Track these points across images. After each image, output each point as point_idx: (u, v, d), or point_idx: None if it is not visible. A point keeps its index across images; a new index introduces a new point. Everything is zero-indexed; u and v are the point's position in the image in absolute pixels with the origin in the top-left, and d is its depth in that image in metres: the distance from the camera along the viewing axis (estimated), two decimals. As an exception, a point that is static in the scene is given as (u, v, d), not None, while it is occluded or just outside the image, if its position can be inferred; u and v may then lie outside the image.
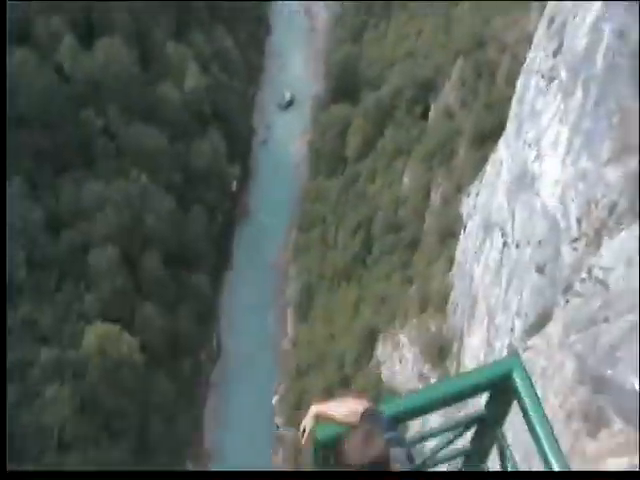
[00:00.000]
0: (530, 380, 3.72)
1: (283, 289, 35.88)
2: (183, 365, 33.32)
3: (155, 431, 30.04)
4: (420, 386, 21.22)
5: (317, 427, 3.60)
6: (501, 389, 3.79)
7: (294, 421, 28.91)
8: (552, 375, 8.55)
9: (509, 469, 3.89)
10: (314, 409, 3.66)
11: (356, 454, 3.08)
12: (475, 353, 16.29)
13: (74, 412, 27.93)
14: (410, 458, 3.33)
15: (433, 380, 20.29)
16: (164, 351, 32.41)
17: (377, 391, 24.13)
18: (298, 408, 29.57)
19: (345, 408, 3.56)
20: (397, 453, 3.25)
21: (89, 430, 28.35)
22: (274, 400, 31.78)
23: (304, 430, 3.59)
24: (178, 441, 30.84)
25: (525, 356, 12.36)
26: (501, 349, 13.93)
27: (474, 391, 3.93)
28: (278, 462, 28.91)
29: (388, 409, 3.57)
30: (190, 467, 30.60)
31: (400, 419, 3.80)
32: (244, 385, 31.93)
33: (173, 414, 31.27)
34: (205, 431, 32.14)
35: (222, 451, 30.92)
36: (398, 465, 3.23)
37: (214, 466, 30.71)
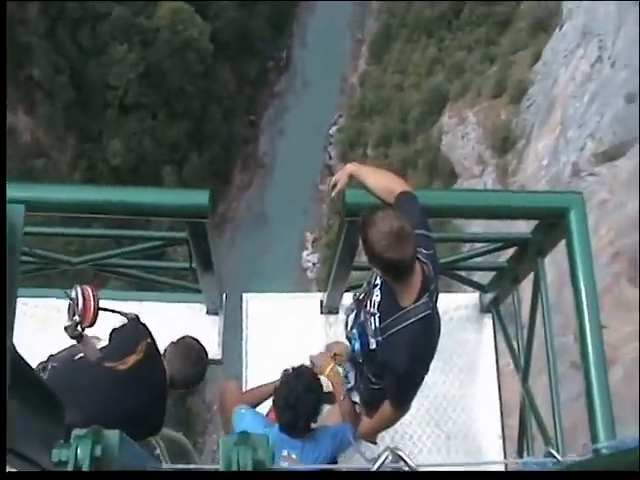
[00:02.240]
0: (586, 224, 3.60)
1: (362, 24, 34.46)
2: (250, 67, 33.26)
3: (213, 121, 30.86)
4: (477, 169, 21.29)
5: (348, 189, 3.42)
6: (553, 222, 3.72)
7: (346, 156, 29.51)
8: (611, 210, 8.51)
9: (541, 302, 3.96)
10: (351, 168, 3.38)
11: (380, 241, 2.84)
12: (539, 157, 16.09)
13: (138, 77, 28.55)
14: (434, 261, 3.11)
15: (490, 168, 20.28)
16: (233, 46, 32.21)
17: (433, 156, 24.25)
18: (352, 147, 30.00)
19: (383, 182, 3.28)
20: (422, 253, 3.03)
21: (150, 101, 29.18)
22: (332, 130, 32.08)
23: (335, 185, 3.39)
24: (233, 138, 31.81)
25: (588, 181, 12.29)
26: (566, 164, 13.75)
27: (524, 214, 3.95)
28: (324, 190, 29.86)
29: (425, 199, 3.29)
30: (238, 167, 31.85)
31: (435, 214, 3.72)
32: (306, 104, 32.09)
33: (232, 110, 31.94)
34: (261, 136, 32.96)
35: (274, 159, 31.96)
36: (423, 262, 3.00)
37: (261, 174, 31.91)
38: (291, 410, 3.66)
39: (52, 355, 3.58)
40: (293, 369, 3.81)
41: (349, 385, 3.84)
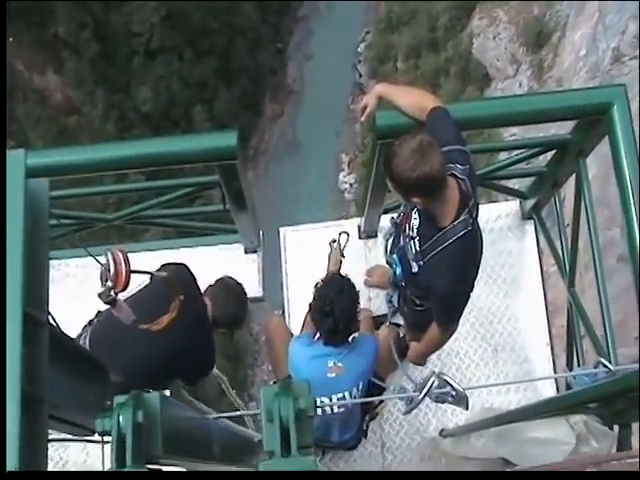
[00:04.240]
0: (630, 117, 3.38)
1: None
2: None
3: (239, 55, 30.46)
4: (511, 69, 20.61)
5: (378, 111, 3.33)
6: (593, 120, 3.53)
7: (376, 73, 28.91)
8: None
9: (584, 203, 3.84)
10: (379, 88, 3.32)
11: (406, 164, 2.78)
12: (576, 48, 15.42)
13: (161, 20, 28.18)
14: (471, 176, 3.02)
15: (524, 66, 19.59)
16: (255, -26, 31.44)
17: (465, 62, 23.52)
18: (382, 62, 29.27)
19: (413, 100, 3.20)
20: (458, 169, 2.99)
21: (175, 43, 28.86)
22: (360, 48, 31.37)
23: (364, 107, 3.32)
24: (261, 69, 31.40)
25: (630, 65, 11.76)
26: (606, 51, 13.13)
27: (562, 114, 3.68)
28: (355, 109, 29.36)
29: (457, 112, 3.18)
30: (268, 98, 31.55)
31: (470, 126, 3.58)
32: (332, 25, 31.31)
33: (258, 41, 31.43)
34: (289, 63, 32.45)
35: (304, 84, 31.53)
36: (460, 179, 2.95)
37: (292, 101, 31.54)
38: (329, 317, 3.70)
39: (100, 312, 3.66)
40: (321, 280, 3.83)
41: (393, 308, 3.84)
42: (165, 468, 1.82)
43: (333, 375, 3.78)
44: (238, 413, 2.20)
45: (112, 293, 2.76)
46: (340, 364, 3.80)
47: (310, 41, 32.47)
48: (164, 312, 3.49)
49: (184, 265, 3.75)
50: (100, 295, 2.76)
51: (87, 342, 3.52)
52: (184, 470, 2.21)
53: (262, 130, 30.58)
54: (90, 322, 3.66)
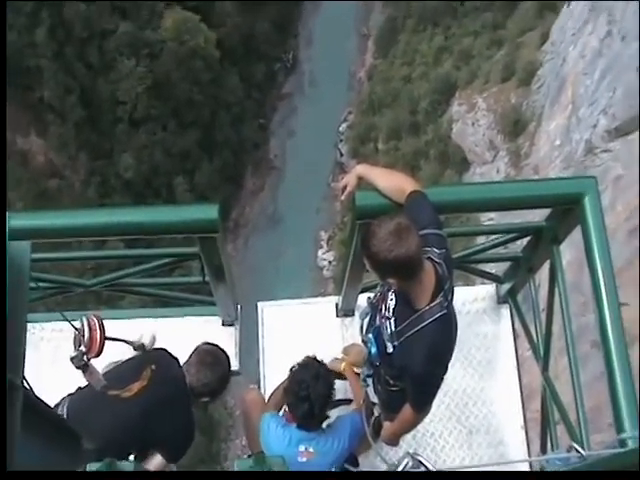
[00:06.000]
0: (601, 208, 3.51)
1: (367, 18, 34.47)
2: (257, 70, 33.33)
3: (222, 128, 30.96)
4: (489, 155, 21.19)
5: (358, 191, 3.40)
6: (567, 209, 3.63)
7: (357, 153, 29.50)
8: (625, 187, 8.38)
9: (558, 290, 3.90)
10: (359, 169, 3.41)
11: (383, 245, 2.81)
12: (551, 139, 15.96)
13: (147, 90, 28.70)
14: (447, 259, 3.08)
15: (502, 153, 20.17)
16: (239, 51, 32.32)
17: (444, 146, 24.16)
18: (363, 143, 29.92)
19: (393, 183, 3.28)
20: (435, 253, 3.02)
21: (160, 113, 29.33)
22: (342, 127, 32.06)
23: (344, 187, 3.40)
24: (244, 143, 31.89)
25: (602, 157, 12.16)
26: (579, 142, 13.61)
27: (537, 202, 3.81)
28: (336, 188, 29.94)
29: (436, 196, 3.26)
30: (250, 171, 31.94)
31: (447, 210, 3.68)
32: (314, 105, 32.08)
33: (241, 116, 32.02)
34: (271, 139, 33.00)
35: (285, 160, 32.01)
36: (436, 262, 2.98)
37: (273, 176, 31.94)
38: (304, 402, 3.69)
39: (80, 387, 3.61)
40: (298, 364, 3.82)
41: (367, 387, 3.83)
42: None
43: (304, 460, 3.74)
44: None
45: (85, 358, 2.75)
46: (311, 449, 3.77)
47: (293, 118, 33.20)
48: (136, 380, 3.48)
49: (163, 349, 3.77)
50: (72, 359, 2.75)
51: (65, 410, 3.47)
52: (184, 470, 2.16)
53: (243, 203, 30.90)
54: (71, 394, 3.62)
